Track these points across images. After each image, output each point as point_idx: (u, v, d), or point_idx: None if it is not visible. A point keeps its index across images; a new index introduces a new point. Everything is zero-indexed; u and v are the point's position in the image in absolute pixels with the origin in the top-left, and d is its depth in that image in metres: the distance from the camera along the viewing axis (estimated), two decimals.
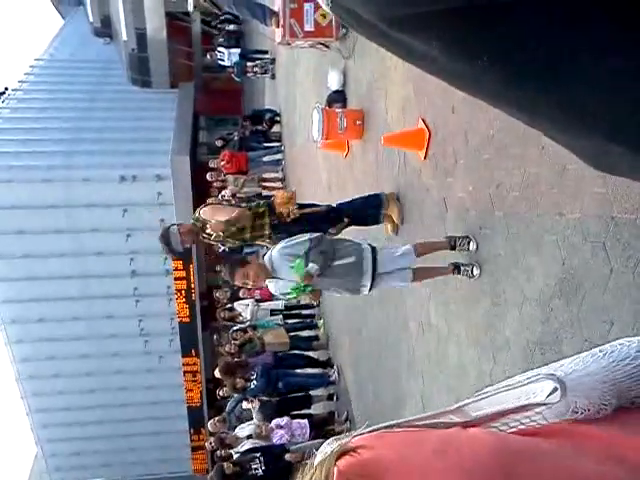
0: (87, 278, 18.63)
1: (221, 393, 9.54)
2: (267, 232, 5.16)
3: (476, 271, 4.28)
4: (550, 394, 0.84)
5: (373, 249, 4.44)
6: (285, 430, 7.95)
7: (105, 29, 24.97)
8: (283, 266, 4.27)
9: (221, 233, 5.04)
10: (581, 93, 0.55)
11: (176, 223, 5.34)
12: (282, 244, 4.39)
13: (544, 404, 0.85)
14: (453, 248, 4.44)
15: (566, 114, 0.58)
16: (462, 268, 4.39)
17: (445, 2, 0.48)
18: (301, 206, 5.36)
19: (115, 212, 18.16)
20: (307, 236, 4.35)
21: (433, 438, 0.81)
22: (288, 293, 4.45)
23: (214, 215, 5.10)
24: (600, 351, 0.92)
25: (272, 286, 4.48)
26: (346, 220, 5.34)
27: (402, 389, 6.04)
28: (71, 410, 20.43)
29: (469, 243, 4.34)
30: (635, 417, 0.89)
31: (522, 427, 0.87)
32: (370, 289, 4.45)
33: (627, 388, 0.89)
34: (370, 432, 0.86)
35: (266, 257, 4.42)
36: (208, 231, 5.08)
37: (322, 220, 5.27)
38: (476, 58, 0.52)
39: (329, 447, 0.83)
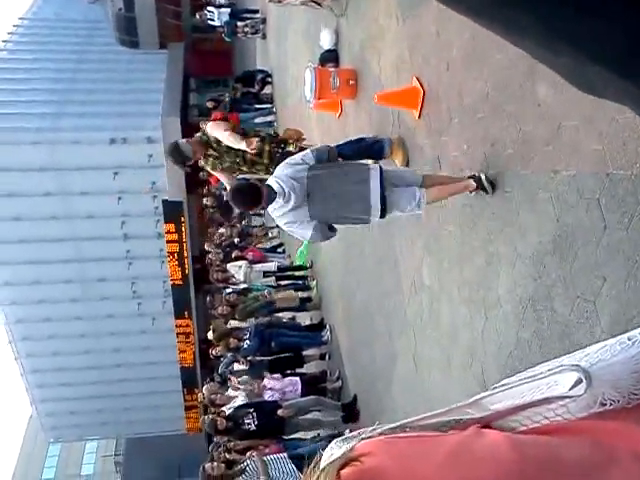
0: (79, 241, 18.59)
1: (214, 352, 9.64)
2: (266, 161, 5.17)
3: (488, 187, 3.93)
4: (574, 386, 0.79)
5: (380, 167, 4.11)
6: (277, 388, 8.04)
7: None
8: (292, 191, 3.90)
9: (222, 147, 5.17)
10: (568, 14, 0.55)
11: (187, 140, 5.46)
12: (283, 168, 4.05)
13: (568, 397, 0.80)
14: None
15: (551, 33, 0.57)
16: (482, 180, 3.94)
17: None
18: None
19: (106, 175, 18.01)
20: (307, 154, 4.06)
21: (446, 447, 0.77)
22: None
23: (214, 130, 5.26)
24: (629, 339, 0.86)
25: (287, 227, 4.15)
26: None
27: (394, 348, 6.12)
28: (66, 370, 20.62)
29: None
30: None
31: (545, 422, 0.83)
32: (382, 214, 3.98)
33: None
34: (378, 434, 0.83)
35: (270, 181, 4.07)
36: (210, 151, 5.24)
37: None
38: None
39: (335, 448, 0.80)
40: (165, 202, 17.85)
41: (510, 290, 3.78)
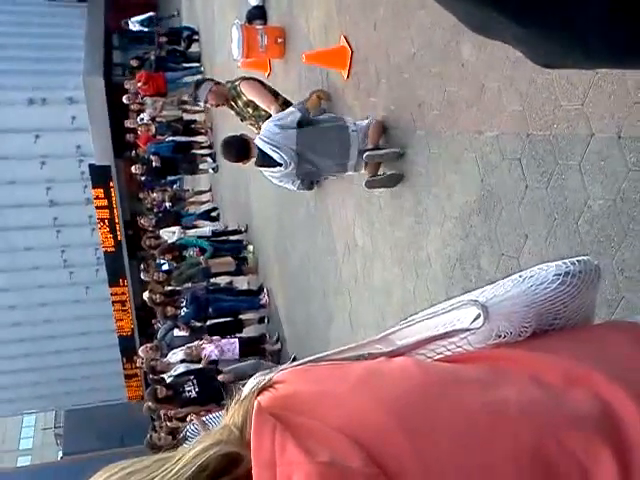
0: (1, 209, 17.72)
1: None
2: None
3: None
4: (474, 320, 0.85)
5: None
6: (214, 345, 8.02)
7: None
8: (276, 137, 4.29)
9: (250, 110, 5.23)
10: None
11: (215, 81, 5.39)
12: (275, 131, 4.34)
13: (468, 330, 0.86)
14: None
15: None
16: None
17: None
18: None
19: (26, 138, 17.13)
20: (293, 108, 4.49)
21: (357, 371, 0.80)
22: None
23: (250, 93, 5.13)
24: (520, 276, 0.93)
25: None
26: None
27: (330, 309, 6.20)
28: None
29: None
30: (552, 338, 0.92)
31: (448, 353, 0.89)
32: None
33: (546, 311, 0.92)
34: (295, 367, 0.86)
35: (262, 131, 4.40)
36: (239, 103, 5.22)
37: None
38: None
39: (254, 382, 0.82)
40: (92, 167, 17.18)
41: (439, 249, 3.87)
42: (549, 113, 2.82)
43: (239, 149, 4.44)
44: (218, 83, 5.33)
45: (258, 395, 0.76)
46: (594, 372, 0.81)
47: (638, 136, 2.39)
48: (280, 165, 4.30)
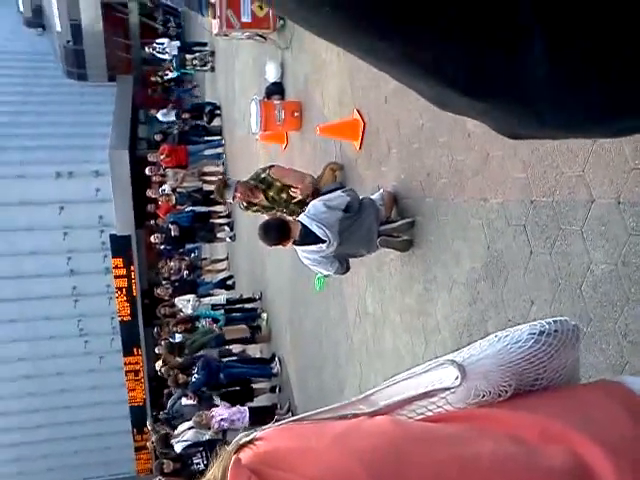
0: (22, 279, 18.01)
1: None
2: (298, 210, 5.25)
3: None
4: (453, 380, 0.87)
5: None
6: (226, 417, 7.85)
7: (37, 19, 24.14)
8: (319, 214, 4.24)
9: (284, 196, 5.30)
10: (421, 44, 0.57)
11: (237, 180, 5.59)
12: (322, 211, 4.30)
13: (447, 389, 0.88)
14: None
15: (406, 59, 0.59)
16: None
17: None
18: None
19: (51, 210, 17.65)
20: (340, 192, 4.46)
21: (336, 428, 0.83)
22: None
23: (284, 173, 5.27)
24: (496, 336, 0.96)
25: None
26: None
27: (341, 377, 6.12)
28: (9, 415, 19.70)
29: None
30: (534, 398, 0.93)
31: (429, 413, 0.90)
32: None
33: (525, 370, 0.93)
34: (278, 425, 0.89)
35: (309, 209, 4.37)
36: (270, 193, 5.29)
37: None
38: (320, 7, 0.54)
39: (237, 440, 0.85)
40: (113, 237, 17.56)
41: (447, 316, 3.86)
42: (551, 180, 2.89)
43: (279, 231, 4.26)
44: (238, 181, 5.56)
45: (239, 451, 0.79)
46: (572, 430, 0.82)
47: (636, 201, 2.43)
48: (323, 242, 4.18)
